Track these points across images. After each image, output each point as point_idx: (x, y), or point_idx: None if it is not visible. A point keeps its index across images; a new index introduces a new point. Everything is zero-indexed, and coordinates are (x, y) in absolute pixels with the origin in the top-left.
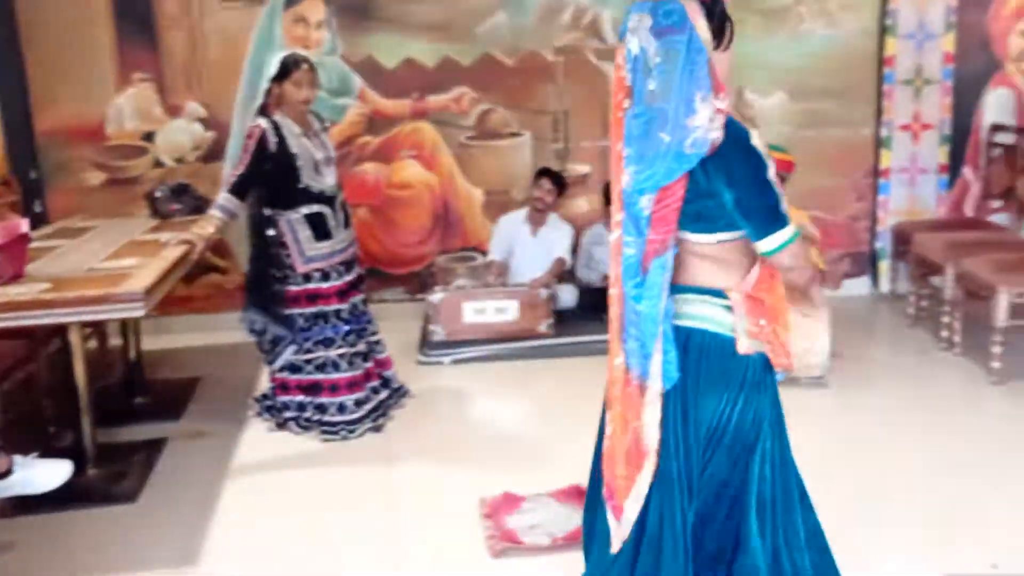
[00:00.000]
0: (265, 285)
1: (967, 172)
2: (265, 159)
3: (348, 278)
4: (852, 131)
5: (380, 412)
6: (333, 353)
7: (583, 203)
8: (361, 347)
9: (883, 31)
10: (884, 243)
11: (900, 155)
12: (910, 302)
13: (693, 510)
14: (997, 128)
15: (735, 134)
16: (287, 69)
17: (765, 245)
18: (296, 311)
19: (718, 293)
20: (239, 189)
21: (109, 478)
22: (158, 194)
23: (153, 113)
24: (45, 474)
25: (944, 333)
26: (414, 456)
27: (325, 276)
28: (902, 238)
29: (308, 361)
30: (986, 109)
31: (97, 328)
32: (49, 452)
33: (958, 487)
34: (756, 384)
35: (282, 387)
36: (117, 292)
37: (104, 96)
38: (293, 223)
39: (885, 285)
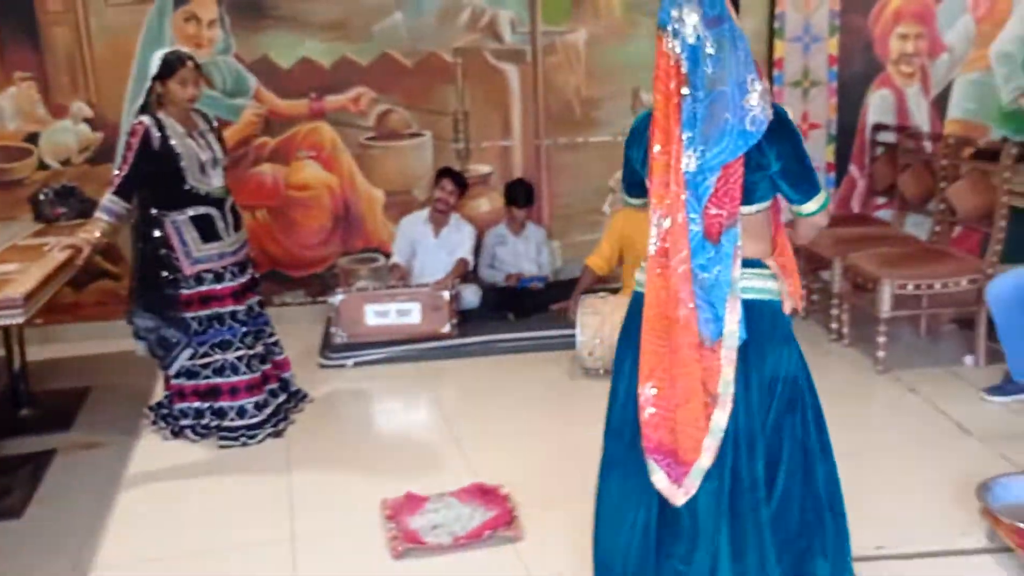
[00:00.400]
0: (155, 288)
1: (853, 170)
2: (149, 158)
3: (242, 279)
4: None
5: (280, 416)
6: (231, 356)
7: (485, 203)
8: (259, 349)
9: (772, 34)
10: None
11: None
12: (802, 295)
13: (761, 460)
14: (880, 127)
15: (776, 111)
16: (171, 67)
17: (809, 207)
18: (190, 315)
19: (756, 263)
20: (124, 190)
21: None
22: (42, 197)
23: (36, 113)
24: None
25: (834, 325)
26: (315, 460)
27: (218, 277)
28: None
29: (205, 365)
30: (870, 109)
31: None
32: None
33: (843, 472)
34: (793, 338)
35: (178, 394)
36: None
37: None
38: (179, 224)
39: None
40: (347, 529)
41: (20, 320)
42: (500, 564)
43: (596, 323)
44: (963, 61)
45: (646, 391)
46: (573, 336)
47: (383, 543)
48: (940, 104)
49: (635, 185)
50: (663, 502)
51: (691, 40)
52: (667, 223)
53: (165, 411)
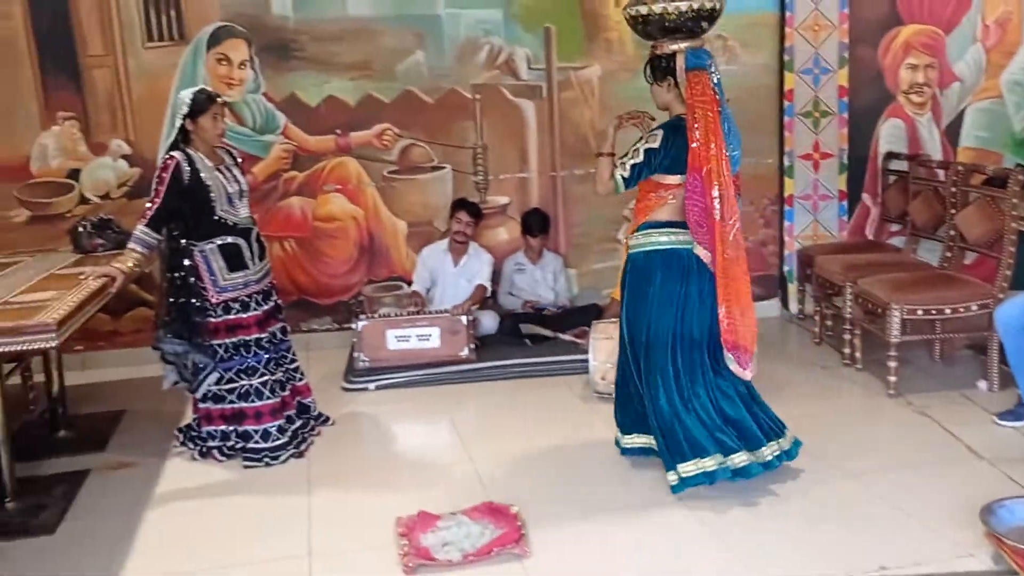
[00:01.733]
0: (185, 315)
1: (866, 198)
2: (179, 191)
3: (266, 307)
4: (757, 161)
5: (300, 439)
6: (255, 381)
7: (503, 232)
8: (280, 375)
9: (782, 66)
10: (791, 266)
11: (802, 183)
12: (815, 321)
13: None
14: (892, 156)
15: None
16: (202, 105)
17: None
18: (216, 342)
19: (682, 224)
20: (155, 222)
21: (28, 511)
22: (81, 229)
23: (78, 151)
24: None
25: (846, 350)
26: (334, 479)
27: (244, 306)
28: (806, 261)
29: (231, 390)
30: (881, 139)
31: (20, 364)
32: None
33: (851, 492)
34: None
35: (206, 418)
36: (29, 324)
37: (29, 134)
38: (207, 254)
39: (794, 306)
40: (362, 546)
41: (54, 344)
42: None
43: (609, 348)
44: (974, 90)
45: (721, 312)
46: (586, 361)
47: (396, 560)
48: (952, 133)
49: (640, 177)
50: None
51: (717, 78)
52: (718, 196)
53: (193, 433)
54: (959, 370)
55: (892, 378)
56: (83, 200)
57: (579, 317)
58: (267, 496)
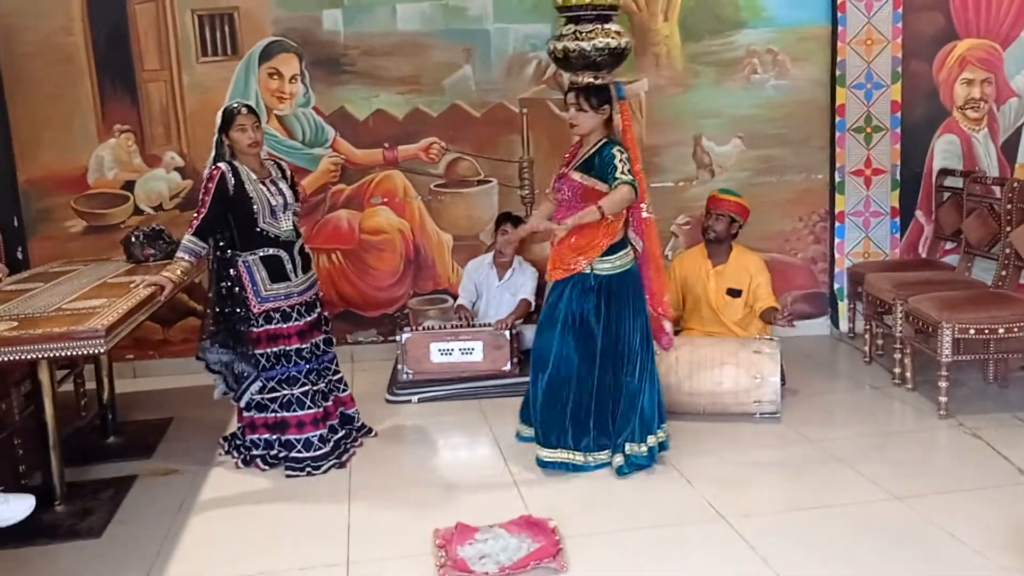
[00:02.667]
0: (230, 324)
1: (920, 215)
2: (224, 202)
3: (308, 319)
4: (807, 176)
5: (343, 449)
6: (297, 391)
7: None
8: (321, 385)
9: (833, 81)
10: (842, 284)
11: (853, 199)
12: (865, 340)
13: None
14: (946, 172)
15: None
16: (228, 118)
17: None
18: (259, 351)
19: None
20: (201, 231)
21: (76, 514)
22: (133, 239)
23: (133, 163)
24: (9, 508)
25: (897, 370)
26: (374, 490)
27: (285, 316)
28: (857, 279)
29: (273, 399)
30: (936, 155)
31: (73, 371)
32: (18, 490)
33: (899, 512)
34: None
35: (250, 426)
36: (79, 329)
37: (87, 147)
38: (250, 264)
39: (844, 325)
40: (400, 556)
41: (103, 350)
42: None
43: None
44: None
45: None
46: None
47: (433, 571)
48: (1010, 149)
49: None
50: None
51: None
52: (647, 204)
53: (238, 442)
54: (1013, 392)
55: (943, 399)
56: (137, 211)
57: None
58: (307, 504)
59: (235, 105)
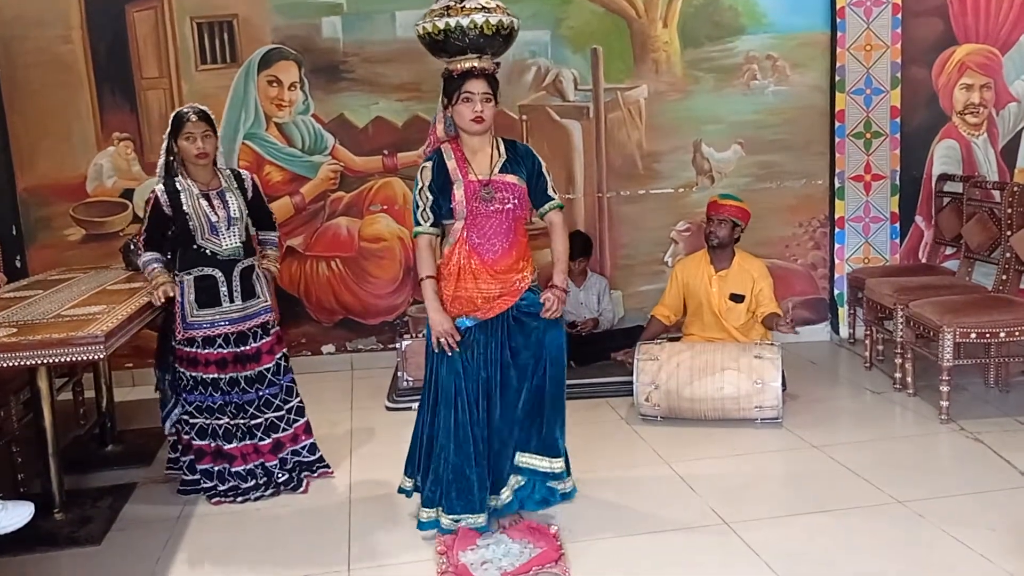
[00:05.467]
0: (167, 342)
1: (919, 220)
2: (163, 220)
3: (236, 349)
4: (807, 182)
5: (270, 488)
6: (213, 422)
7: (547, 255)
8: (240, 422)
9: (833, 87)
10: (842, 290)
11: (853, 205)
12: (865, 346)
13: None
14: (945, 178)
15: None
16: (177, 125)
17: None
18: (181, 369)
19: None
20: (149, 246)
21: (75, 522)
22: (132, 247)
23: (132, 171)
24: (8, 515)
25: (898, 375)
26: (375, 496)
27: (208, 342)
28: (857, 284)
29: (192, 426)
30: (935, 160)
31: (71, 380)
32: (17, 498)
33: (901, 520)
34: None
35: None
36: (78, 335)
37: (85, 155)
38: (184, 285)
39: (844, 331)
40: (401, 562)
41: (102, 356)
42: None
43: (653, 369)
44: None
45: None
46: (631, 382)
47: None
48: (1009, 154)
49: None
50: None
51: None
52: None
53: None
54: (1015, 396)
55: (944, 403)
56: (136, 219)
57: (623, 339)
58: (308, 511)
59: (186, 111)
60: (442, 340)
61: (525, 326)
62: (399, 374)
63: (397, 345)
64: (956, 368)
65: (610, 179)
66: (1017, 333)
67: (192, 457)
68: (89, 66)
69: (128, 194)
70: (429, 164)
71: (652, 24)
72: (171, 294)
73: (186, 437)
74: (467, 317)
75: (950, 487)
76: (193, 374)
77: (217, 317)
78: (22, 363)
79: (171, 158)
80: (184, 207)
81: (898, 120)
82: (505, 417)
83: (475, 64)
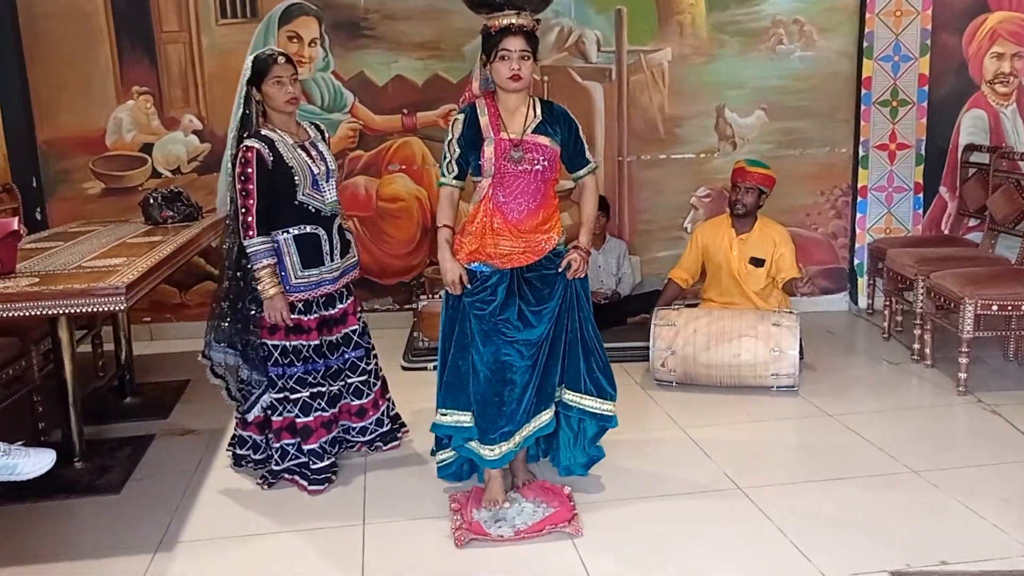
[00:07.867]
0: (245, 322)
1: (944, 191)
2: (263, 179)
3: (322, 312)
4: (831, 150)
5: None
6: (306, 393)
7: (566, 218)
8: (335, 388)
9: (860, 53)
10: (862, 260)
11: (877, 174)
12: (884, 317)
13: None
14: (972, 148)
15: None
16: (262, 69)
17: None
18: (273, 342)
19: None
20: (261, 225)
21: (94, 471)
22: (152, 201)
23: (151, 125)
24: (30, 461)
25: (916, 346)
26: (390, 456)
27: (307, 305)
28: (878, 255)
29: (292, 402)
30: (962, 130)
31: (91, 332)
32: (38, 446)
33: (916, 487)
34: None
35: (273, 432)
36: (100, 286)
37: (105, 108)
38: (280, 245)
39: (863, 301)
40: (415, 519)
41: (122, 307)
42: (558, 558)
43: (670, 335)
44: None
45: None
46: (647, 347)
47: (448, 534)
48: None
49: None
50: None
51: None
52: None
53: (254, 455)
54: None
55: (963, 375)
56: (155, 173)
57: (640, 304)
58: None
59: (270, 52)
60: (449, 288)
61: (546, 279)
62: (415, 334)
63: (414, 306)
64: (976, 340)
65: (631, 143)
66: None
67: (298, 439)
68: (109, 18)
69: (147, 148)
70: (461, 117)
71: None
72: (289, 323)
73: (280, 419)
74: (483, 263)
75: (965, 458)
76: (295, 343)
77: (324, 276)
78: (44, 312)
79: (247, 112)
80: (287, 159)
81: (926, 88)
82: (541, 357)
83: (513, 20)
